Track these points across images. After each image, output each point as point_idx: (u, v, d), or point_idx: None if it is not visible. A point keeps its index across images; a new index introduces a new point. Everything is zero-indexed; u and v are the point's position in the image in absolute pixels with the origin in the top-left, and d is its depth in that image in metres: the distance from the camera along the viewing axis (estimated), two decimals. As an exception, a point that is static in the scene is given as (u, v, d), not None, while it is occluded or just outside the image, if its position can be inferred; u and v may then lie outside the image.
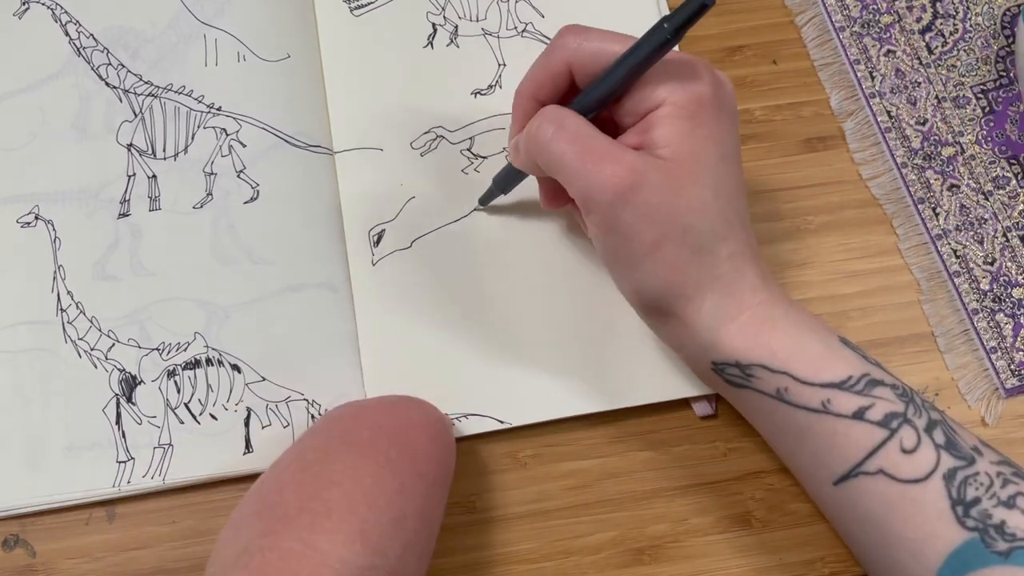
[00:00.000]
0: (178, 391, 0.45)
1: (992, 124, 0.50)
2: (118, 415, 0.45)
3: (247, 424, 0.45)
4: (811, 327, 0.39)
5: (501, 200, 0.47)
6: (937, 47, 0.51)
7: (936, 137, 0.50)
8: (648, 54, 0.36)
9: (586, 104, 0.39)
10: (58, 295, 0.46)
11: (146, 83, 0.50)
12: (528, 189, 0.46)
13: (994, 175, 0.49)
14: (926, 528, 0.36)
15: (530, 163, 0.40)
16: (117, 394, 0.45)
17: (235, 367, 0.46)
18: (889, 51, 0.51)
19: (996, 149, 0.49)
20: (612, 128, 0.40)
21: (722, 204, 0.38)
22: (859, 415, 0.37)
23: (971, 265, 0.48)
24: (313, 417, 0.45)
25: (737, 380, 0.39)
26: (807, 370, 0.38)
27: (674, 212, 0.37)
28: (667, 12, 0.51)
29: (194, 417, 0.45)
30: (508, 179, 0.45)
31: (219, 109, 0.49)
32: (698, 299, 0.38)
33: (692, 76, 0.37)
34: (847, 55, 0.51)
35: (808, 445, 0.39)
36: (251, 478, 0.44)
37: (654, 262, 0.38)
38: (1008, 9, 0.52)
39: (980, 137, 0.50)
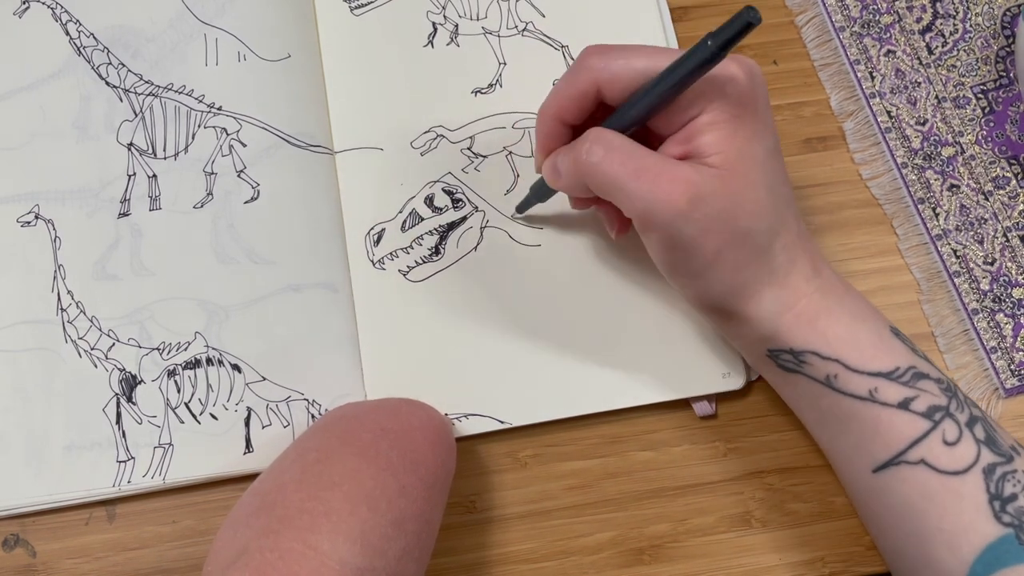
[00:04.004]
0: (178, 391, 0.45)
1: (992, 124, 0.50)
2: (118, 415, 0.45)
3: (247, 424, 0.45)
4: (864, 316, 0.39)
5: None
6: (937, 47, 0.51)
7: (936, 137, 0.50)
8: (690, 72, 0.35)
9: (624, 123, 0.38)
10: (58, 294, 0.46)
11: (146, 82, 0.50)
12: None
13: (994, 175, 0.49)
14: (963, 521, 0.36)
15: (578, 186, 0.39)
16: (117, 393, 0.45)
17: (235, 367, 0.46)
18: (889, 51, 0.51)
19: (996, 149, 0.49)
20: (648, 137, 0.39)
21: (775, 199, 0.38)
22: (904, 405, 0.38)
23: (971, 265, 0.48)
24: (313, 417, 0.45)
25: (789, 365, 0.40)
26: (858, 358, 0.38)
27: (733, 219, 0.37)
28: (667, 11, 0.52)
29: (194, 417, 0.45)
30: (544, 191, 0.45)
31: (219, 109, 0.49)
32: (757, 295, 0.39)
33: (728, 76, 0.37)
34: (847, 55, 0.51)
35: (852, 432, 0.39)
36: (251, 478, 0.44)
37: (716, 270, 0.38)
38: (1008, 9, 0.52)
39: (980, 137, 0.50)
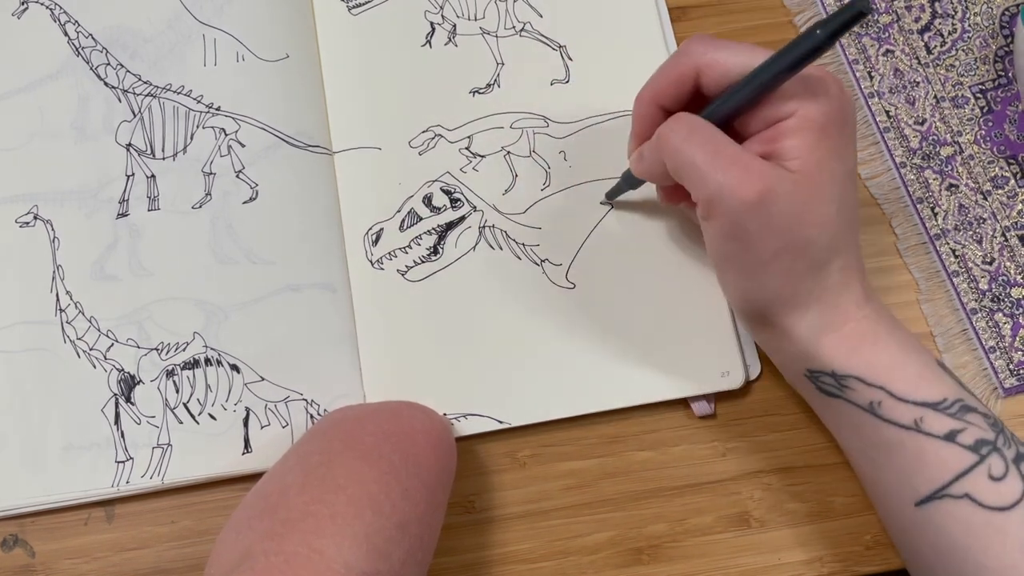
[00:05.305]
0: (177, 391, 0.45)
1: (991, 124, 0.50)
2: (117, 415, 0.45)
3: (246, 424, 0.45)
4: (913, 346, 0.39)
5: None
6: (936, 47, 0.51)
7: (935, 137, 0.50)
8: (795, 60, 0.35)
9: (720, 113, 0.38)
10: (57, 295, 0.46)
11: (145, 83, 0.50)
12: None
13: (992, 175, 0.49)
14: (1005, 558, 0.36)
15: (655, 167, 0.39)
16: (116, 394, 0.45)
17: (234, 367, 0.46)
18: (888, 51, 0.51)
19: (994, 149, 0.49)
20: (734, 138, 0.39)
21: (842, 219, 0.38)
22: (951, 437, 0.37)
23: (970, 265, 0.48)
24: (312, 417, 0.45)
25: (830, 389, 0.39)
26: (904, 387, 0.38)
27: (798, 225, 0.37)
28: (666, 11, 0.52)
29: (193, 417, 0.45)
30: (636, 178, 0.45)
31: (218, 109, 0.49)
32: (803, 309, 0.38)
33: (822, 88, 0.37)
34: (846, 55, 0.51)
35: (895, 462, 0.38)
36: (250, 478, 0.44)
37: (770, 273, 0.37)
38: (1007, 9, 0.52)
39: (979, 137, 0.50)
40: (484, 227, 0.48)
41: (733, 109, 0.38)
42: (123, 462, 0.44)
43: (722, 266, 0.39)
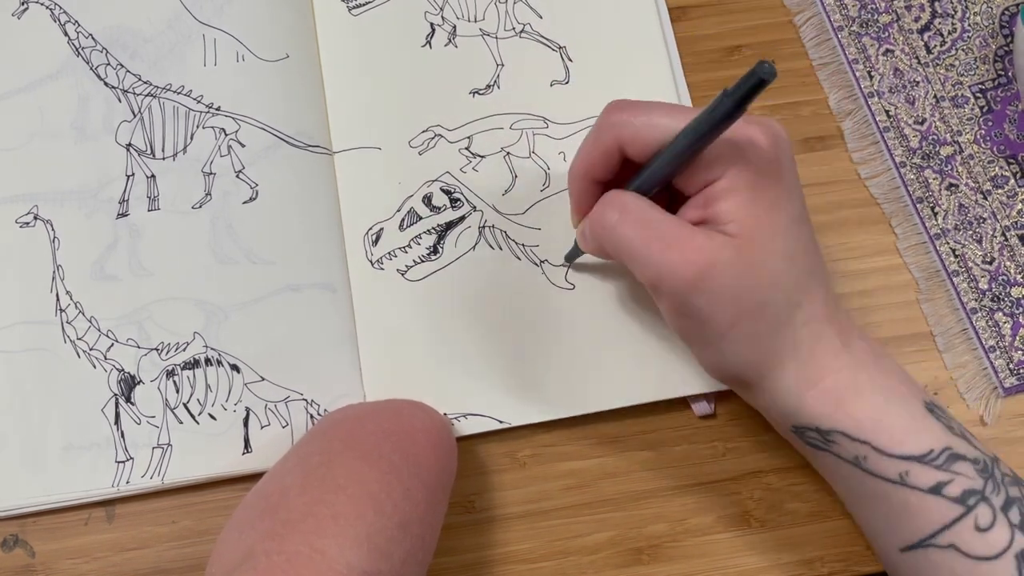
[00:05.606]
0: (177, 391, 0.45)
1: (990, 123, 0.50)
2: (117, 415, 0.45)
3: (246, 424, 0.45)
4: (897, 392, 0.38)
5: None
6: (935, 46, 0.51)
7: (934, 136, 0.50)
8: (709, 129, 0.34)
9: (645, 185, 0.38)
10: (57, 295, 0.46)
11: (145, 83, 0.50)
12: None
13: (992, 174, 0.49)
14: None
15: (598, 249, 0.40)
16: (116, 394, 0.45)
17: (234, 367, 0.46)
18: (887, 50, 0.51)
19: (994, 148, 0.49)
20: (675, 196, 0.39)
21: (796, 270, 0.37)
22: (936, 490, 0.36)
23: (970, 264, 0.48)
24: (312, 417, 0.45)
25: (816, 443, 0.39)
26: (888, 441, 0.37)
27: (749, 291, 0.36)
28: (666, 12, 0.52)
29: (193, 417, 0.45)
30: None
31: (218, 109, 0.49)
32: (778, 369, 0.38)
33: (748, 140, 0.36)
34: (845, 55, 0.51)
35: (881, 511, 0.38)
36: (250, 478, 0.44)
37: (731, 341, 0.37)
38: (1007, 8, 0.52)
39: (978, 136, 0.50)
40: (484, 227, 0.48)
41: (661, 179, 0.37)
42: (123, 462, 0.44)
43: (684, 340, 0.39)
